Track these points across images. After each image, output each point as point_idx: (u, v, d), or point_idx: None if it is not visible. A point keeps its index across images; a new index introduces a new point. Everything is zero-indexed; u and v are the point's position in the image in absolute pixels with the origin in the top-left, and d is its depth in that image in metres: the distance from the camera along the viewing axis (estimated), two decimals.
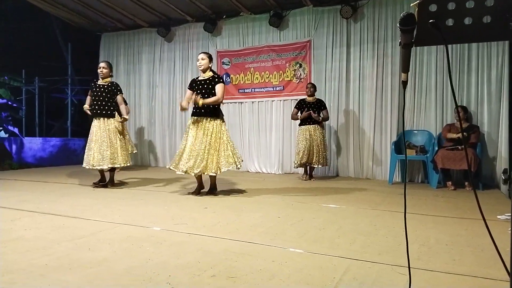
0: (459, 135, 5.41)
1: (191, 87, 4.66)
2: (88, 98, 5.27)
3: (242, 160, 4.75)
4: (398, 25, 1.29)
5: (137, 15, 8.08)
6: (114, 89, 5.20)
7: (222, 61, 7.86)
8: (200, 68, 4.61)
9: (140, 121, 8.75)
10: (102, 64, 5.24)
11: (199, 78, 4.63)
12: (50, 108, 12.01)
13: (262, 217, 3.45)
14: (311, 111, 6.03)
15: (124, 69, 8.89)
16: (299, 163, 6.12)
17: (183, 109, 4.56)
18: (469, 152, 5.17)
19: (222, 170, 4.49)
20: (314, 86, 6.25)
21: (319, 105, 6.14)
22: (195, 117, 4.54)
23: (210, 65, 4.62)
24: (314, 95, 6.20)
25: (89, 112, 5.16)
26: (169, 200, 4.34)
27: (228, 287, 1.88)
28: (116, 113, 5.21)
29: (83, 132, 9.55)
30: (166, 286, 1.87)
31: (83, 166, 5.15)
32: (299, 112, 6.19)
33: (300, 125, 6.18)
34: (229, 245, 2.57)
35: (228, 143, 4.54)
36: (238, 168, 4.63)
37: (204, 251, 2.41)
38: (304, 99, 6.27)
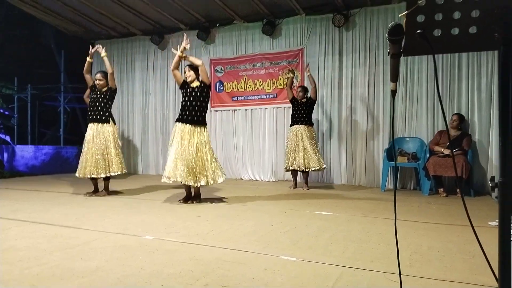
0: (446, 151, 5.43)
1: (183, 84, 4.68)
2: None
3: (225, 174, 4.74)
4: (386, 35, 1.32)
5: (130, 23, 8.10)
6: (112, 92, 5.25)
7: (215, 69, 7.88)
8: (188, 80, 4.66)
9: (133, 128, 8.74)
10: (98, 76, 5.24)
11: (191, 85, 4.66)
12: (43, 116, 11.96)
13: (255, 225, 3.46)
14: None
15: (117, 77, 8.82)
16: (289, 166, 5.98)
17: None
18: (461, 159, 5.22)
19: (219, 181, 4.56)
20: (304, 90, 6.05)
21: (311, 104, 6.02)
22: (185, 124, 4.53)
23: (196, 76, 4.67)
24: (305, 98, 6.03)
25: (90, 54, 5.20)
26: (162, 208, 4.32)
27: None
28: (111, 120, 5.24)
29: (76, 140, 9.52)
30: None
31: (75, 175, 5.12)
32: (292, 107, 6.12)
33: (290, 125, 6.09)
34: (222, 253, 2.57)
35: (213, 153, 4.66)
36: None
37: (197, 260, 2.41)
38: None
